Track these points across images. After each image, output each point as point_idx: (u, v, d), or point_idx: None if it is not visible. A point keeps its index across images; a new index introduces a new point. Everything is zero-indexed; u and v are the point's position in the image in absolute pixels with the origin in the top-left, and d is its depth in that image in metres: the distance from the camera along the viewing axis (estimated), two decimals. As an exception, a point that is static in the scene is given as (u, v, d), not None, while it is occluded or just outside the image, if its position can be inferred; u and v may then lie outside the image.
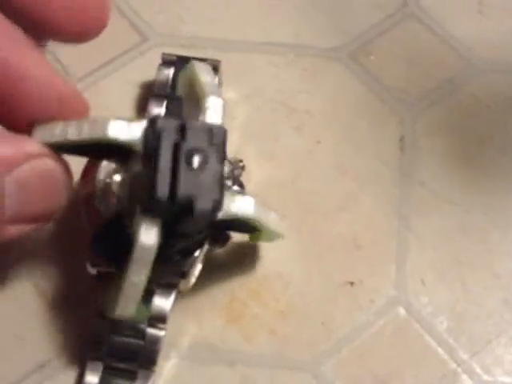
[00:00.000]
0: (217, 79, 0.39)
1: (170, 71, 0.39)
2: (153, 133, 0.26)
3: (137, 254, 0.26)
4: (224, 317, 0.34)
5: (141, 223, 0.26)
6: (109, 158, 0.29)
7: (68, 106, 0.26)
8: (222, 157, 0.26)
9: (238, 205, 0.29)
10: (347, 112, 0.40)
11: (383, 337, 0.34)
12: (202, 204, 0.25)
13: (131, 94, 0.41)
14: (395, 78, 0.41)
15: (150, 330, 0.32)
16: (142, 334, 0.32)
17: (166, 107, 0.38)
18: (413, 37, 0.42)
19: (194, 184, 0.25)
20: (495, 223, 0.36)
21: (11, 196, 0.24)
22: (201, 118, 0.28)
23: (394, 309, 0.34)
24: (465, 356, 0.33)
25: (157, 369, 0.32)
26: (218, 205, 0.26)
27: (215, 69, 0.39)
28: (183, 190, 0.25)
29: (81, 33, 0.28)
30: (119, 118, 0.26)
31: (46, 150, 0.25)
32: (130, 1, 0.45)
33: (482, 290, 0.35)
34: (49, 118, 0.26)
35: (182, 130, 0.26)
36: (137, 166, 0.26)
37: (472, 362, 0.33)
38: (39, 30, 0.26)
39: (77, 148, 0.27)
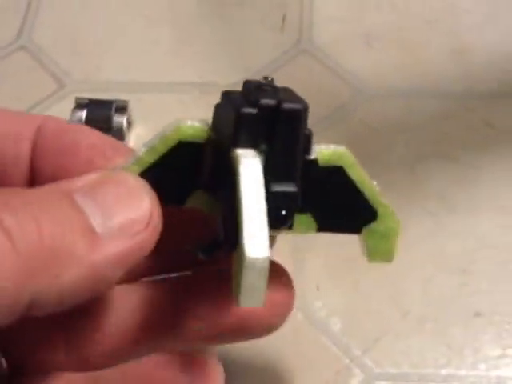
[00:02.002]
0: (125, 118, 0.43)
1: (83, 113, 0.43)
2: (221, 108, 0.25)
3: (243, 181, 0.22)
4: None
5: (235, 152, 0.23)
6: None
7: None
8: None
9: (331, 147, 0.26)
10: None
11: (283, 340, 0.37)
12: (290, 105, 0.24)
13: (50, 137, 0.44)
14: (292, 109, 0.45)
15: None
16: None
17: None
18: (307, 70, 0.46)
19: (277, 96, 0.24)
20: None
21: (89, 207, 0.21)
22: None
23: (292, 314, 0.37)
24: (357, 352, 0.36)
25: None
26: (306, 107, 0.24)
27: (123, 109, 0.42)
28: (267, 97, 0.23)
29: None
30: None
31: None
32: (49, 52, 0.48)
33: (371, 292, 0.38)
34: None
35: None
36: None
37: (364, 357, 0.36)
38: None
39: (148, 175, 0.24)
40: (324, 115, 0.44)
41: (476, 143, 0.43)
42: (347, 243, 0.39)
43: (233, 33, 0.49)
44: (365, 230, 0.27)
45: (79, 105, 0.43)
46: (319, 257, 0.39)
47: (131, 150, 0.26)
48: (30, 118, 0.27)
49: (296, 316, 0.37)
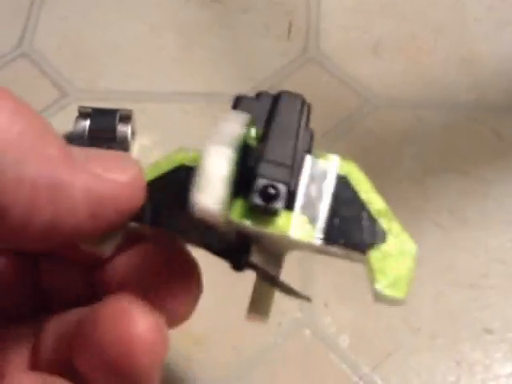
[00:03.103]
0: (130, 128, 0.42)
1: (87, 123, 0.42)
2: None
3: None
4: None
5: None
6: None
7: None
8: None
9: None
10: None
11: (291, 356, 0.36)
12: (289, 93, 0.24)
13: (53, 147, 0.43)
14: (298, 119, 0.44)
15: None
16: None
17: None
18: (313, 79, 0.46)
19: None
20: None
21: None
22: None
23: (300, 330, 0.37)
24: (366, 369, 0.36)
25: None
26: (305, 101, 0.24)
27: (127, 118, 0.42)
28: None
29: None
30: None
31: None
32: (51, 60, 0.48)
33: (380, 308, 0.37)
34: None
35: None
36: None
37: (373, 374, 0.36)
38: None
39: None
40: (331, 125, 0.44)
41: (486, 156, 0.42)
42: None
43: (238, 41, 0.48)
44: (371, 253, 0.23)
45: (82, 114, 0.42)
46: (327, 273, 0.38)
47: None
48: None
49: (304, 332, 0.37)
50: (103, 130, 0.42)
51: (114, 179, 0.22)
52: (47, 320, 0.24)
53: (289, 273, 0.38)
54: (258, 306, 0.28)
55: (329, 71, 0.46)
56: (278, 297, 0.37)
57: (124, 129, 0.42)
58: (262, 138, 0.23)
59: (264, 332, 0.37)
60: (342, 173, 0.24)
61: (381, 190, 0.41)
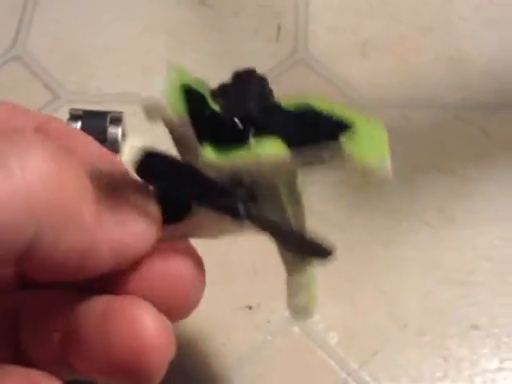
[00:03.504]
0: (120, 130, 0.42)
1: (78, 124, 0.42)
2: None
3: None
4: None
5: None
6: None
7: None
8: None
9: None
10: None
11: (280, 353, 0.37)
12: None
13: (45, 149, 0.44)
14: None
15: None
16: None
17: (75, 158, 0.42)
18: (302, 81, 0.46)
19: None
20: (378, 242, 0.40)
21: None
22: None
23: (289, 328, 0.37)
24: (354, 366, 0.36)
25: None
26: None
27: (118, 120, 0.42)
28: None
29: None
30: None
31: None
32: (42, 62, 0.48)
33: (368, 305, 0.38)
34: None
35: None
36: None
37: (361, 371, 0.36)
38: None
39: None
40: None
41: (473, 154, 0.43)
42: (345, 258, 0.39)
43: (228, 43, 0.48)
44: (344, 138, 0.23)
45: (73, 116, 0.43)
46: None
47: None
48: (34, 115, 0.27)
49: (293, 330, 0.37)
50: (94, 132, 0.42)
51: (136, 234, 0.22)
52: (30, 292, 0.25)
53: (279, 273, 0.38)
54: (296, 302, 0.28)
55: (317, 72, 0.47)
56: (267, 297, 0.38)
57: (114, 131, 0.42)
58: (220, 92, 0.25)
59: (254, 330, 0.37)
60: (302, 101, 0.24)
61: (369, 187, 0.41)
